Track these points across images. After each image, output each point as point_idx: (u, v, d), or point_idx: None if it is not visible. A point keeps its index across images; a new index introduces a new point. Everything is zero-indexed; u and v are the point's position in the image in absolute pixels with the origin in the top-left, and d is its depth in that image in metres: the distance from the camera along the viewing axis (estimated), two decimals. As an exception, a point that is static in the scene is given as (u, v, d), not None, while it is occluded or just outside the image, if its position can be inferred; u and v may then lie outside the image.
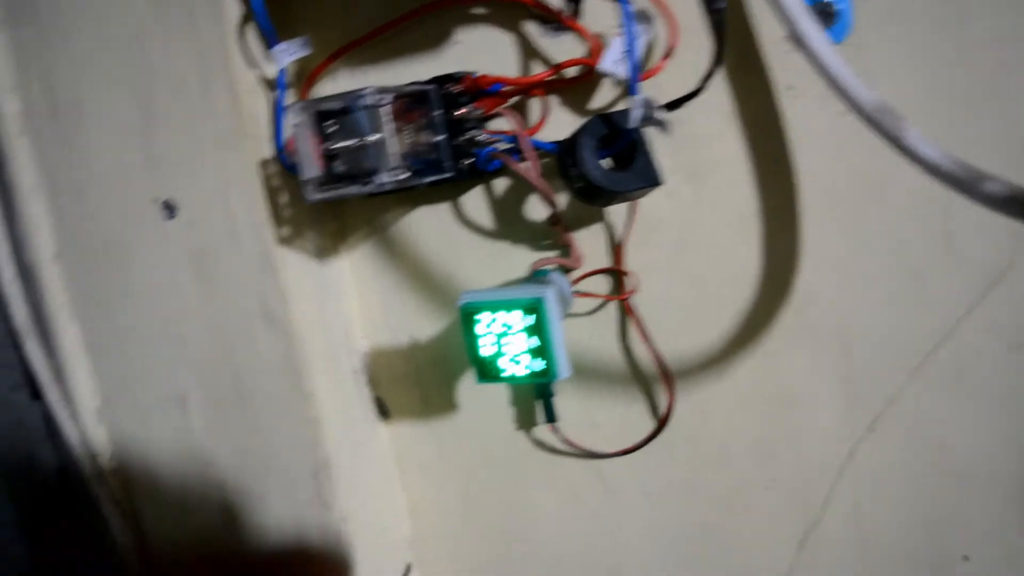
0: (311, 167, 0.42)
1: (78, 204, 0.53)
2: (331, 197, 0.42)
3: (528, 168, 0.44)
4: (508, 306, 0.41)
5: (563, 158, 0.43)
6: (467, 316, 0.41)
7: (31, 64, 0.53)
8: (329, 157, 0.42)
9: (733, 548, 0.50)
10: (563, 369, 0.41)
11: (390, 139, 0.41)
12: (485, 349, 0.41)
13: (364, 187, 0.41)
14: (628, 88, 0.41)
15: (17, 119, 0.55)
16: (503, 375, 0.42)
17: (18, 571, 0.58)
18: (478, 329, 0.41)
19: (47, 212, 0.55)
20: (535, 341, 0.41)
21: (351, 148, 0.41)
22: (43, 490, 0.59)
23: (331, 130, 0.42)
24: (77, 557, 0.59)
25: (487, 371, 0.42)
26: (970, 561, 0.47)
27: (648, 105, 0.41)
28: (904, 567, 0.48)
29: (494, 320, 0.41)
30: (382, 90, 0.41)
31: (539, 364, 0.41)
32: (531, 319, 0.40)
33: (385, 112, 0.41)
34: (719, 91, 0.45)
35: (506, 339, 0.41)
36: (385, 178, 0.40)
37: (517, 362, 0.41)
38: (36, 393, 0.56)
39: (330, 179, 0.42)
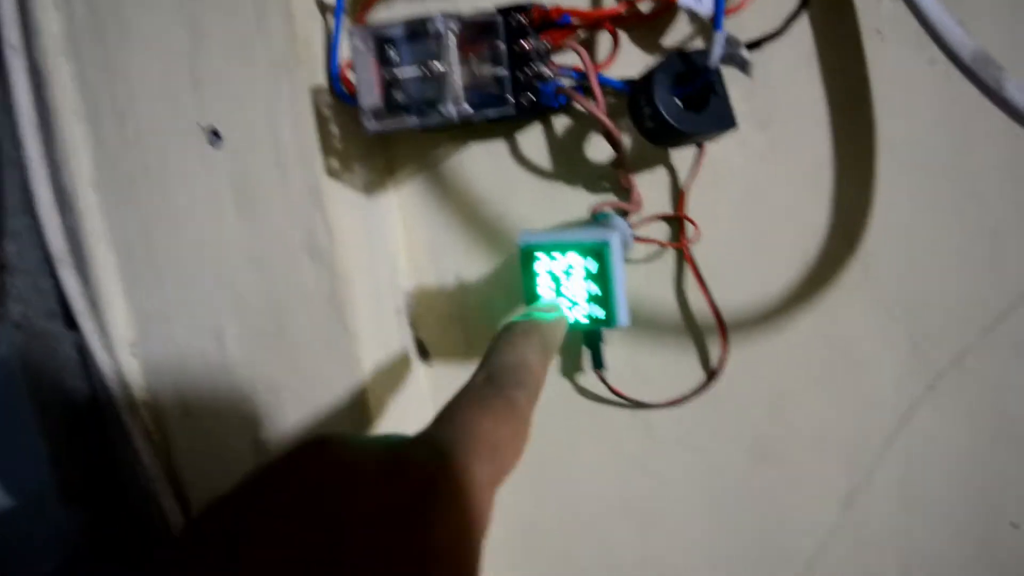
0: (371, 96, 0.40)
1: (119, 128, 0.52)
2: (390, 129, 0.40)
3: (595, 105, 0.42)
4: (571, 248, 0.39)
5: (635, 95, 0.41)
6: (527, 256, 0.40)
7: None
8: (389, 86, 0.40)
9: (776, 505, 0.49)
10: (623, 317, 0.40)
11: (455, 69, 0.38)
12: (544, 292, 0.40)
13: (426, 119, 0.39)
14: (711, 23, 0.39)
15: (58, 39, 0.53)
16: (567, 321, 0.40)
17: (47, 500, 0.57)
18: (537, 267, 0.40)
19: (86, 136, 0.53)
20: (595, 287, 0.39)
21: (414, 78, 0.39)
22: (75, 420, 0.58)
23: (393, 57, 0.40)
24: (107, 488, 0.59)
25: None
26: (1019, 529, 0.46)
27: (732, 43, 0.38)
28: (950, 532, 0.47)
29: (555, 262, 0.39)
30: (449, 17, 0.39)
31: (599, 311, 0.39)
32: (594, 264, 0.39)
33: (451, 41, 0.39)
34: (801, 32, 0.42)
35: (565, 283, 0.40)
36: (449, 110, 0.38)
37: (575, 307, 0.40)
38: (71, 323, 0.55)
39: (390, 109, 0.40)
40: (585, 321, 0.40)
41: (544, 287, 0.40)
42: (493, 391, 0.32)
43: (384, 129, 0.40)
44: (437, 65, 0.39)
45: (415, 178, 0.51)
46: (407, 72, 0.39)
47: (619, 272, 0.39)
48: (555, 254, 0.39)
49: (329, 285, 0.47)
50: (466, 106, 0.39)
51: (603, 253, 0.38)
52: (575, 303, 0.40)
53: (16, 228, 0.55)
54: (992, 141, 0.41)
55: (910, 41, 0.41)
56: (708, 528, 0.51)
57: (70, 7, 0.51)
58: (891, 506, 0.47)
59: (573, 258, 0.39)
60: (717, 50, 0.38)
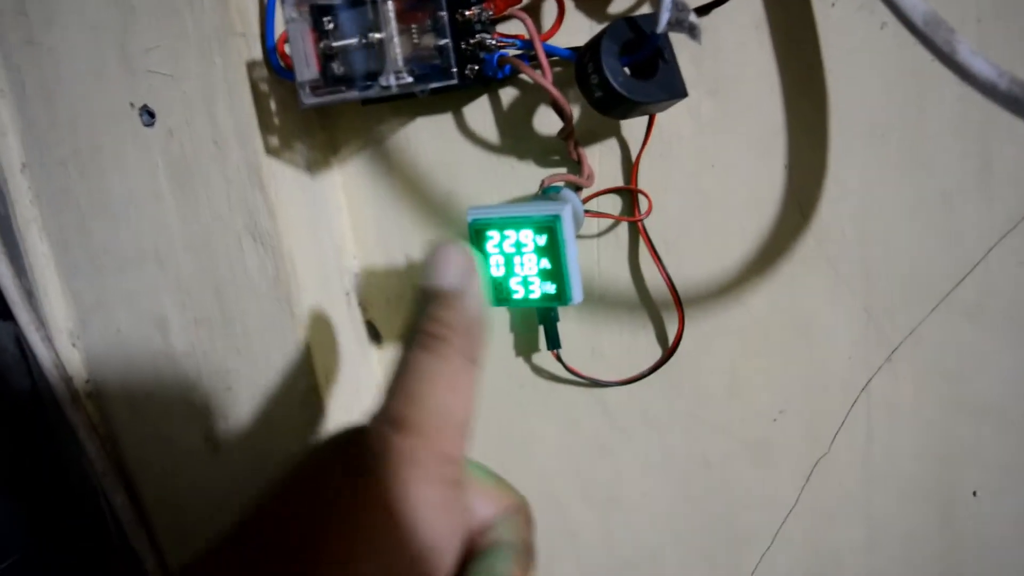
0: (307, 68, 0.38)
1: (48, 109, 0.49)
2: (328, 102, 0.39)
3: (542, 74, 0.40)
4: (521, 223, 0.38)
5: (581, 64, 0.40)
6: (476, 233, 0.39)
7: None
8: (327, 57, 0.38)
9: (738, 480, 0.49)
10: (576, 293, 0.38)
11: (394, 39, 0.37)
12: (494, 270, 0.39)
13: (365, 91, 0.37)
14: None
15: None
16: (514, 298, 0.39)
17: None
18: (488, 247, 0.39)
19: (13, 118, 0.51)
20: (547, 262, 0.38)
21: (351, 48, 0.37)
22: (16, 415, 0.56)
23: (329, 27, 0.38)
24: (52, 483, 0.57)
25: (498, 294, 0.39)
26: (978, 497, 0.46)
27: (679, 7, 0.37)
28: (912, 501, 0.47)
29: (504, 239, 0.38)
30: (386, -18, 0.37)
31: (551, 287, 0.38)
32: (544, 238, 0.38)
33: (389, 9, 0.37)
34: (750, -4, 0.41)
35: (517, 259, 0.38)
36: (389, 80, 0.37)
37: (529, 284, 0.39)
38: (6, 314, 0.53)
39: (328, 81, 0.38)
40: (536, 296, 0.39)
41: (496, 265, 0.39)
42: None
43: (322, 102, 0.39)
44: (376, 35, 0.37)
45: (359, 155, 0.49)
46: (344, 42, 0.38)
47: (571, 247, 0.38)
48: (506, 231, 0.38)
49: (273, 268, 0.46)
50: (407, 76, 0.37)
51: (554, 227, 0.37)
52: (527, 280, 0.38)
53: (-58, 215, 0.53)
54: (945, 105, 0.40)
55: (861, 5, 0.40)
56: (670, 505, 0.50)
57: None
58: (853, 477, 0.47)
59: (524, 233, 0.38)
60: (665, 15, 0.37)
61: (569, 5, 0.43)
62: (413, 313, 0.31)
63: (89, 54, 0.47)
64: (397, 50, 0.37)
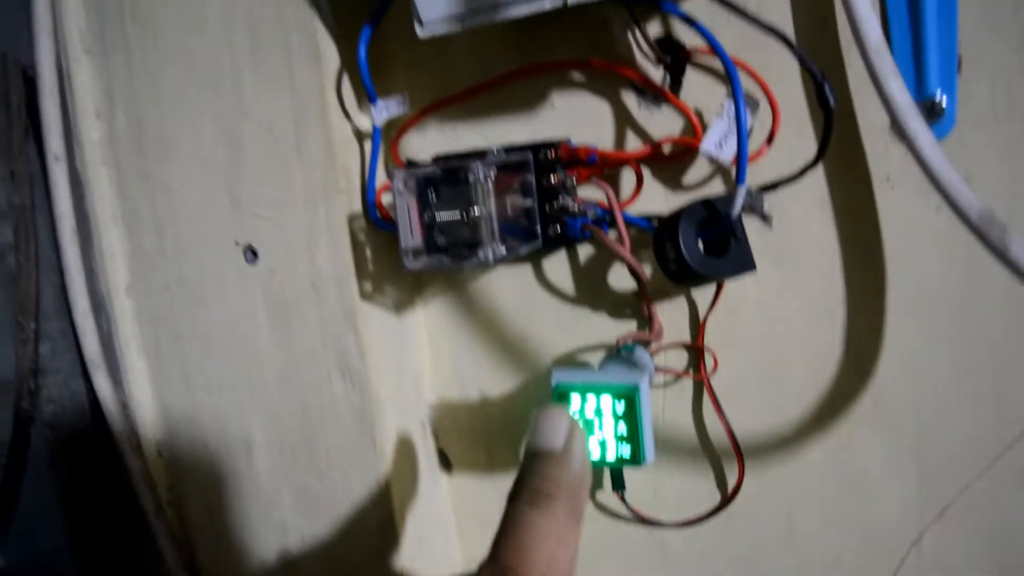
0: (411, 237, 0.42)
1: (157, 238, 0.54)
2: (430, 268, 0.42)
3: (620, 245, 0.44)
4: (602, 390, 0.41)
5: (659, 240, 0.43)
6: (560, 396, 0.42)
7: (118, 93, 0.53)
8: (429, 228, 0.42)
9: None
10: (650, 455, 0.41)
11: (492, 215, 0.41)
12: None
13: (464, 261, 0.41)
14: (734, 173, 0.41)
15: (100, 147, 0.55)
16: (591, 458, 0.42)
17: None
18: (570, 409, 0.42)
19: (123, 243, 0.55)
20: (624, 427, 0.41)
21: (452, 220, 0.41)
22: (102, 519, 0.59)
23: (432, 200, 0.42)
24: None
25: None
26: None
27: (753, 196, 0.41)
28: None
29: (585, 402, 0.41)
30: (487, 164, 0.41)
31: (626, 450, 0.41)
32: (623, 405, 0.41)
33: (489, 187, 0.41)
34: (815, 175, 0.44)
35: (596, 421, 0.41)
36: (487, 254, 0.40)
37: (606, 446, 0.41)
38: (101, 424, 0.56)
39: (429, 250, 0.42)
40: (612, 459, 0.41)
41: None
42: None
43: (424, 269, 0.42)
44: (475, 210, 0.41)
45: (442, 296, 0.53)
46: (445, 215, 0.41)
47: (646, 413, 0.41)
48: (587, 395, 0.41)
49: (359, 402, 0.49)
50: (502, 249, 0.41)
51: (633, 397, 0.40)
52: (604, 442, 0.41)
53: (51, 331, 0.57)
54: (996, 284, 0.43)
55: (918, 189, 0.43)
56: (721, 642, 0.52)
57: (112, 117, 0.54)
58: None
59: (604, 399, 0.41)
60: (739, 202, 0.41)
61: (647, 174, 0.47)
62: (522, 471, 0.34)
63: (200, 192, 0.51)
64: (495, 226, 0.41)
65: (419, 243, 0.42)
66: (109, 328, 0.56)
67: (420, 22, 0.41)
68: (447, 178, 0.41)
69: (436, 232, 0.42)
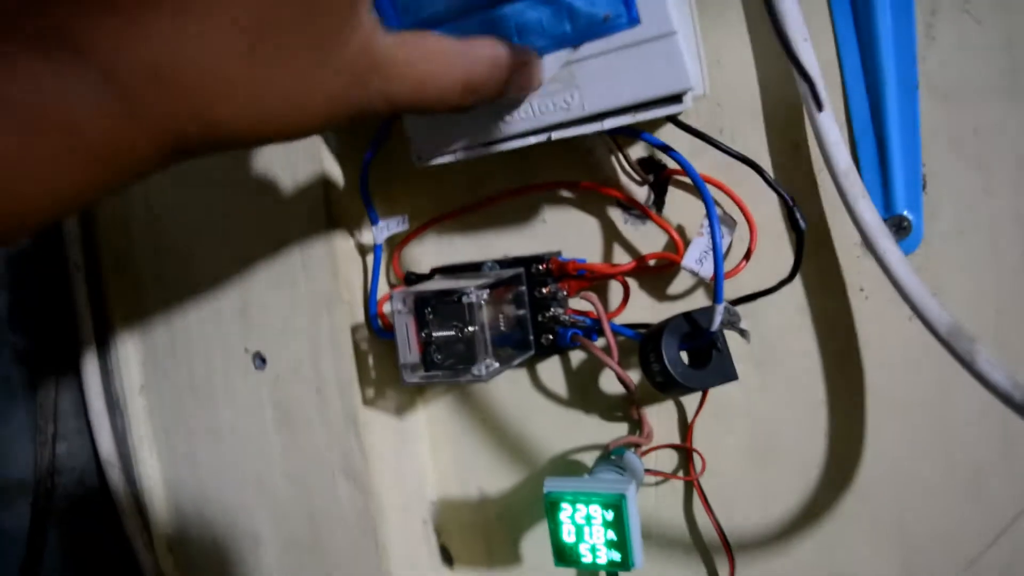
0: (410, 353, 0.45)
1: (170, 341, 0.56)
2: (427, 382, 0.45)
3: (608, 356, 0.46)
4: (591, 499, 0.43)
5: (644, 352, 0.46)
6: (551, 504, 0.44)
7: (135, 199, 0.56)
8: (426, 344, 0.44)
9: None
10: (638, 560, 0.43)
11: (486, 335, 0.43)
12: (567, 536, 0.44)
13: (459, 376, 0.43)
14: (712, 289, 0.44)
15: (116, 255, 0.58)
16: (583, 561, 0.44)
17: None
18: (561, 516, 0.44)
19: (136, 346, 0.58)
20: (612, 535, 0.43)
21: (448, 339, 0.44)
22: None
23: (430, 319, 0.44)
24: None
25: (567, 556, 0.44)
26: None
27: (730, 312, 0.43)
28: None
29: (576, 511, 0.43)
30: (481, 288, 0.43)
31: (616, 555, 0.43)
32: (611, 514, 0.43)
33: (482, 311, 0.43)
34: (792, 286, 0.47)
35: (586, 529, 0.43)
36: (481, 370, 0.43)
37: (596, 551, 0.43)
38: (115, 519, 0.58)
39: (427, 366, 0.44)
40: (603, 562, 0.43)
41: (567, 532, 0.44)
42: None
43: (421, 383, 0.45)
44: (470, 329, 0.43)
45: (442, 398, 0.55)
46: (442, 332, 0.44)
47: (634, 521, 0.43)
48: (578, 504, 0.43)
49: (363, 503, 0.51)
50: (495, 364, 0.43)
51: (620, 505, 0.42)
52: (594, 547, 0.43)
53: (68, 431, 0.59)
54: (969, 388, 0.45)
55: (891, 299, 0.45)
56: None
57: (128, 231, 0.57)
58: None
59: (593, 507, 0.43)
60: (717, 319, 0.43)
61: (633, 285, 0.49)
62: None
63: (211, 299, 0.54)
64: (489, 344, 0.43)
65: (417, 359, 0.44)
66: (123, 427, 0.58)
67: (417, 154, 0.44)
68: (443, 298, 0.44)
69: (433, 349, 0.44)
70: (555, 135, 0.42)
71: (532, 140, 0.42)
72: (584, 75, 0.39)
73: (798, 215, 0.43)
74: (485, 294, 0.43)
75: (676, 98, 0.39)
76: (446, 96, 0.32)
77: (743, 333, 0.44)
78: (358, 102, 0.30)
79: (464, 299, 0.43)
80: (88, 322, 0.58)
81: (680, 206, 0.48)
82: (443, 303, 0.44)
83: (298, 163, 0.50)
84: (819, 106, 0.41)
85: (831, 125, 0.42)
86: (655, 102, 0.39)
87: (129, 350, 0.58)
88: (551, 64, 0.39)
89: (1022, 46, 0.42)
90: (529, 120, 0.41)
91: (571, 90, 0.40)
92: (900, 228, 0.45)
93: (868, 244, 0.42)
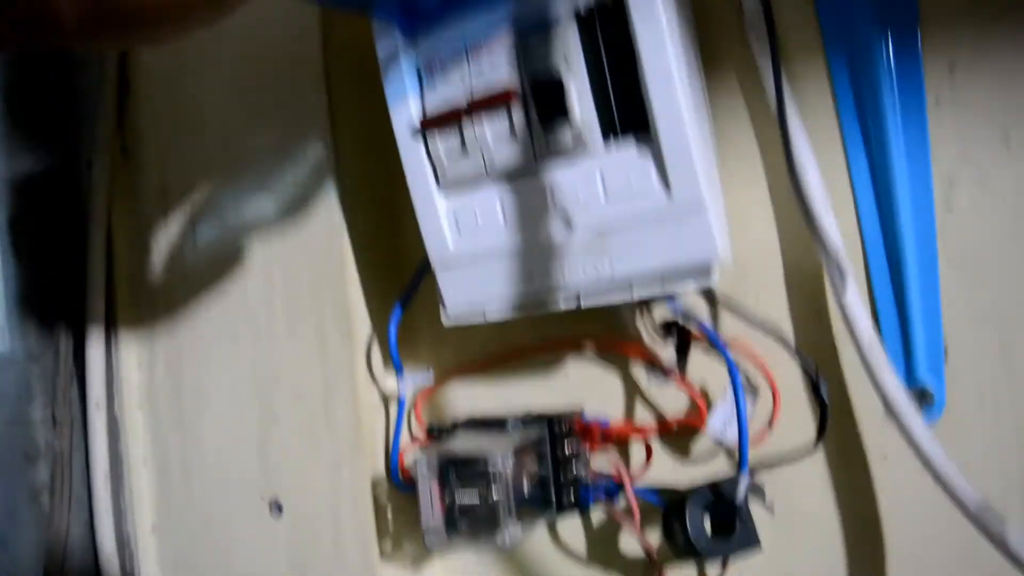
0: (432, 516, 0.44)
1: (185, 482, 0.56)
2: (451, 547, 0.44)
3: (632, 523, 0.46)
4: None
5: (668, 518, 0.45)
6: None
7: (159, 344, 0.57)
8: (449, 509, 0.44)
9: None
10: None
11: (510, 502, 0.43)
12: None
13: (482, 543, 0.43)
14: (737, 457, 0.44)
15: (137, 391, 0.58)
16: None
17: None
18: None
19: (150, 484, 0.58)
20: None
21: (471, 505, 0.44)
22: None
23: (454, 482, 0.44)
24: None
25: None
26: None
27: (755, 486, 0.43)
28: None
29: None
30: (506, 455, 0.43)
31: None
32: None
33: (508, 473, 0.43)
34: (815, 458, 0.47)
35: None
36: (504, 539, 0.42)
37: None
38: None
39: (449, 532, 0.44)
40: None
41: None
42: None
43: (444, 548, 0.44)
44: (494, 494, 0.43)
45: (461, 550, 0.54)
46: (465, 497, 0.44)
47: None
48: None
49: (377, 658, 0.50)
50: (519, 532, 0.43)
51: None
52: None
53: (75, 566, 0.58)
54: (997, 562, 0.44)
55: (914, 465, 0.45)
56: None
57: (152, 367, 0.57)
58: None
59: None
60: (743, 489, 0.43)
61: (656, 444, 0.49)
62: None
63: (230, 443, 0.54)
64: (513, 513, 0.43)
65: (440, 523, 0.44)
66: (132, 567, 0.57)
67: (447, 313, 0.45)
68: (468, 462, 0.44)
69: (456, 513, 0.44)
70: (585, 302, 0.42)
71: (563, 306, 0.43)
72: (615, 245, 0.40)
73: (822, 388, 0.43)
74: (510, 460, 0.43)
75: (705, 270, 0.40)
76: None
77: (767, 507, 0.44)
78: None
79: (490, 467, 0.43)
80: (104, 462, 0.58)
81: (704, 366, 0.49)
82: (467, 467, 0.44)
83: (326, 314, 0.50)
84: (843, 286, 0.42)
85: (855, 300, 0.43)
86: (684, 274, 0.40)
87: (143, 489, 0.58)
88: (583, 232, 0.40)
89: (1038, 219, 0.43)
90: (560, 286, 0.42)
91: (602, 258, 0.41)
92: (923, 398, 0.46)
93: (892, 415, 0.43)
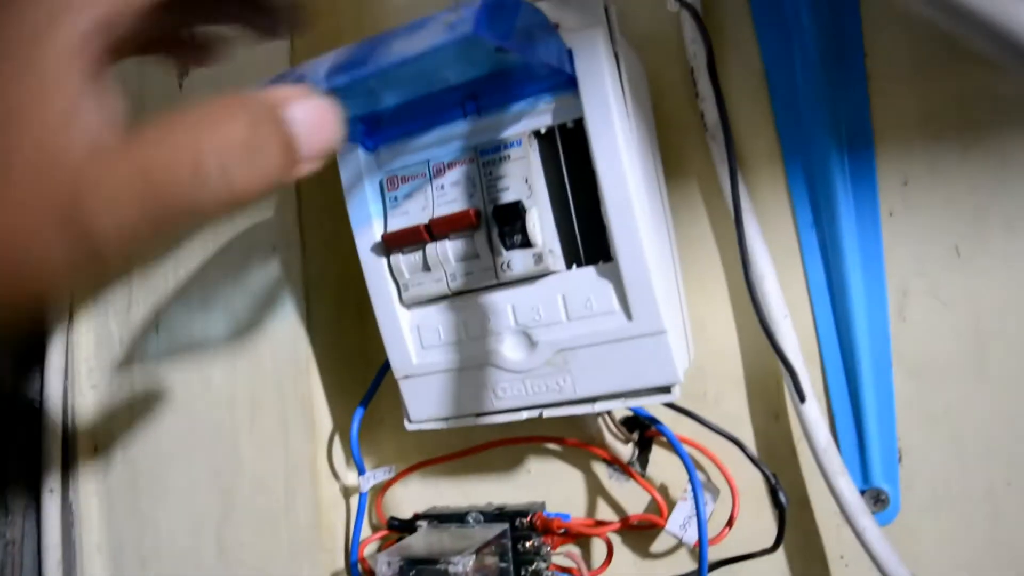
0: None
1: (140, 572, 0.55)
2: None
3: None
4: None
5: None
6: None
7: (118, 429, 0.56)
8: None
9: None
10: None
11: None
12: None
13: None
14: (698, 566, 0.44)
15: (94, 478, 0.57)
16: None
17: None
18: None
19: (105, 571, 0.56)
20: None
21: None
22: None
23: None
24: None
25: None
26: None
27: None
28: None
29: None
30: (468, 553, 0.43)
31: None
32: None
33: (468, 573, 0.43)
34: (775, 553, 0.47)
35: None
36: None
37: None
38: None
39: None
40: None
41: None
42: None
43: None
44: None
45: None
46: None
47: None
48: None
49: None
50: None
51: None
52: None
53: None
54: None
55: (871, 569, 0.46)
56: None
57: (109, 452, 0.56)
58: None
59: None
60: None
61: (616, 540, 0.49)
62: None
63: (188, 535, 0.53)
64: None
65: (400, 626, 0.44)
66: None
67: (409, 419, 0.45)
68: (429, 563, 0.44)
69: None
70: (547, 413, 0.43)
71: (524, 415, 0.43)
72: (577, 363, 0.41)
73: (780, 494, 0.44)
74: (471, 562, 0.43)
75: (666, 390, 0.40)
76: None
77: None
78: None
79: (451, 569, 0.43)
80: (57, 549, 0.56)
81: (664, 465, 0.49)
82: (428, 567, 0.44)
83: (288, 410, 0.50)
84: (801, 398, 0.43)
85: (811, 407, 0.44)
86: (646, 392, 0.40)
87: (97, 575, 0.57)
88: (544, 350, 0.40)
89: (987, 330, 0.44)
90: (522, 398, 0.42)
91: (564, 375, 0.41)
92: (878, 500, 0.46)
93: (847, 518, 0.43)
